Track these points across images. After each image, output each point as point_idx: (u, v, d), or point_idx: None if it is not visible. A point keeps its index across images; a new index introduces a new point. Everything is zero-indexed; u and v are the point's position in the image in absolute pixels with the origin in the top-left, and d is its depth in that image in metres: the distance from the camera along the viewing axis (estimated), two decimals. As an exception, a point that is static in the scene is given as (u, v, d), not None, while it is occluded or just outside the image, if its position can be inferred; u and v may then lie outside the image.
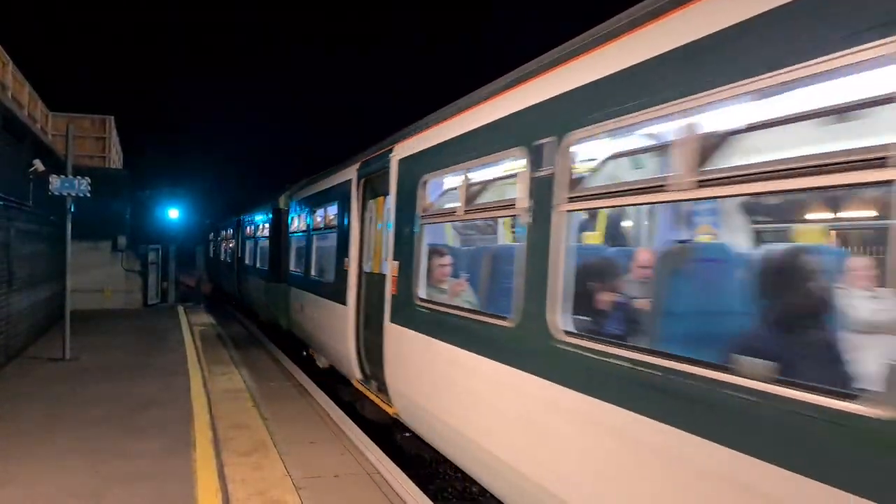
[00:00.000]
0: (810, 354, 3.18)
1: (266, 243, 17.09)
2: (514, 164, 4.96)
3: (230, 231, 26.18)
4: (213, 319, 20.06)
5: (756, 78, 2.77)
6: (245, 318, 20.89)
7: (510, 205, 4.95)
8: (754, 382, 2.73)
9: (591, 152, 4.24)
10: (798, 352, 3.10)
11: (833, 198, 5.57)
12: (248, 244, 20.79)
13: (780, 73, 2.67)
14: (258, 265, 18.48)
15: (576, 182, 4.14)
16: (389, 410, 7.61)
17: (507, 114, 5.12)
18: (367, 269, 8.86)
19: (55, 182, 11.79)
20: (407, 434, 7.65)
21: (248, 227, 20.78)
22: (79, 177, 12.00)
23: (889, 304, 3.08)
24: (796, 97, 2.77)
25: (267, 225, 17.06)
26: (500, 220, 7.32)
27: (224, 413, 8.56)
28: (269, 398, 9.51)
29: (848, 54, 2.42)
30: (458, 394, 5.63)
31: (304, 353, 13.15)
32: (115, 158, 26.26)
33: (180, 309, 22.12)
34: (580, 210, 4.47)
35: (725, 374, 2.87)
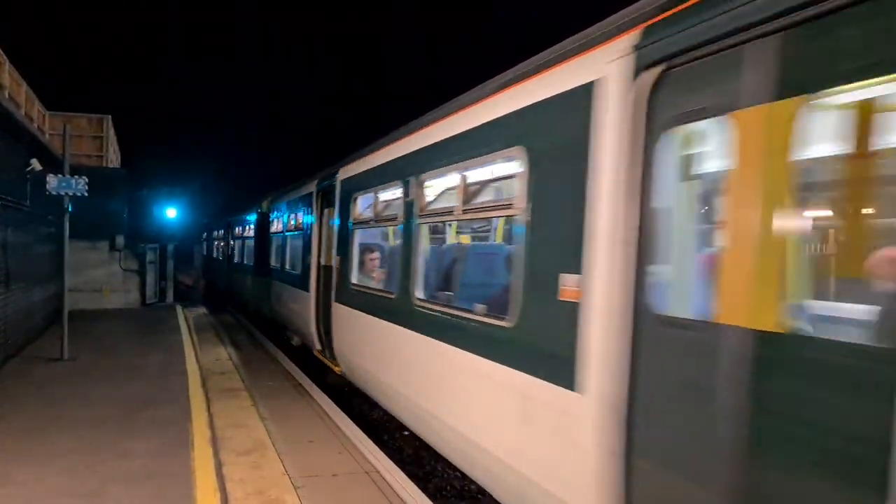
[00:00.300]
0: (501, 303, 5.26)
1: (252, 242, 19.46)
2: (397, 191, 7.69)
3: (221, 231, 28.68)
4: (213, 319, 20.04)
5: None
6: (238, 312, 21.95)
7: (394, 218, 8.19)
8: (481, 317, 5.45)
9: (430, 188, 7.00)
10: (494, 302, 5.50)
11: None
12: (237, 243, 23.15)
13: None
14: (245, 261, 20.91)
15: (425, 205, 6.95)
16: (336, 370, 10.29)
17: (392, 158, 7.98)
18: (323, 262, 11.50)
19: (52, 181, 11.77)
20: (405, 433, 7.67)
21: (237, 228, 23.09)
22: (76, 176, 11.98)
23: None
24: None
25: (252, 227, 19.47)
26: (390, 228, 9.86)
27: (222, 412, 8.56)
28: (267, 397, 9.51)
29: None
30: (373, 349, 8.30)
31: (286, 336, 14.92)
32: (113, 157, 26.24)
33: (178, 308, 22.12)
34: (426, 222, 7.08)
35: (473, 314, 5.60)
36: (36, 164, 13.10)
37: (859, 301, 3.85)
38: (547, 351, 4.40)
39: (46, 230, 15.23)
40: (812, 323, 3.04)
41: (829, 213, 3.72)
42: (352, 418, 8.55)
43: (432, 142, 6.67)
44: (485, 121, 5.51)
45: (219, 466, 6.50)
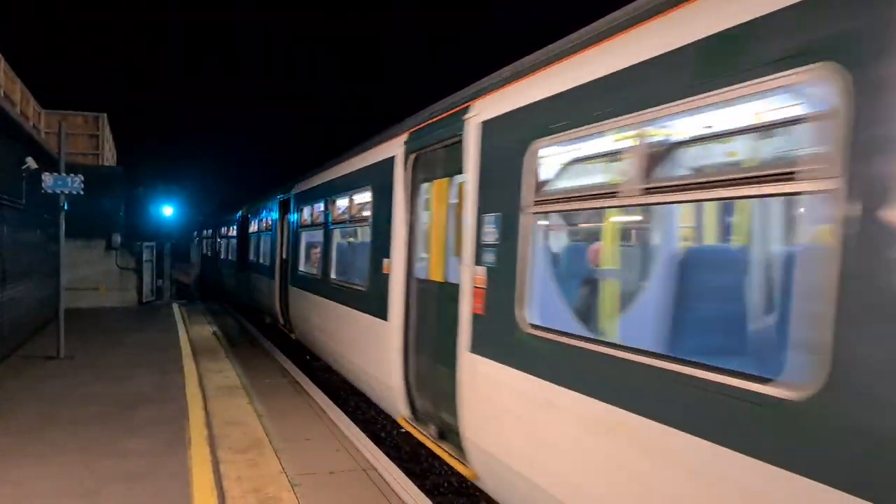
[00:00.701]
0: (363, 276, 8.29)
1: (235, 242, 22.23)
2: (321, 205, 11.46)
3: (211, 231, 31.63)
4: (210, 316, 20.01)
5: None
6: (229, 306, 22.57)
7: (321, 224, 11.37)
8: (356, 286, 9.01)
9: (333, 206, 10.31)
10: (360, 276, 8.36)
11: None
12: (223, 242, 26.06)
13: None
14: (230, 258, 23.65)
15: (335, 216, 10.63)
16: (292, 337, 13.50)
17: (319, 183, 11.81)
18: (283, 257, 12.94)
19: (48, 180, 11.74)
20: (402, 430, 7.65)
21: (223, 229, 26.18)
22: (72, 174, 11.95)
23: None
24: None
25: (234, 228, 22.24)
26: (320, 231, 11.60)
27: (219, 410, 8.55)
28: (264, 394, 9.50)
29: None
30: (310, 315, 11.74)
31: (262, 318, 17.60)
32: (109, 156, 26.16)
33: (175, 306, 22.09)
34: (334, 228, 10.69)
35: (353, 285, 9.08)
36: (31, 163, 13.06)
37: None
38: (378, 301, 7.62)
39: (42, 229, 15.20)
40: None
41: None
42: (351, 417, 8.55)
43: (332, 178, 10.83)
44: (355, 168, 9.52)
45: (216, 464, 6.49)
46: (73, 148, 21.20)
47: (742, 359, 3.77)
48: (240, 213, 21.72)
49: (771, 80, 2.75)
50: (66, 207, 12.16)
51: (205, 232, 34.81)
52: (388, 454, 7.16)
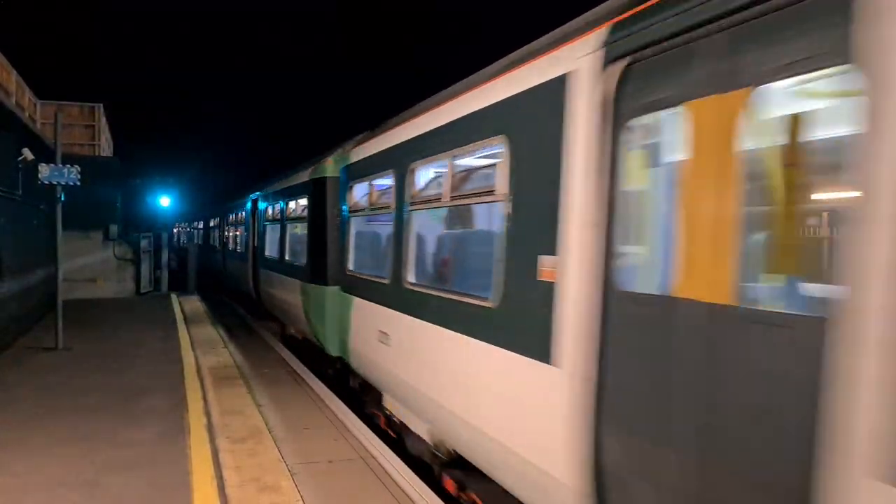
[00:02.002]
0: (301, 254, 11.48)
1: (218, 232, 25.73)
2: (279, 205, 14.44)
3: (201, 223, 34.04)
4: (206, 307, 20.01)
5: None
6: (226, 296, 21.57)
7: (278, 219, 14.52)
8: (296, 262, 12.01)
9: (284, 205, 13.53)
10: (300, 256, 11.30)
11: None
12: (213, 232, 27.93)
13: None
14: (217, 245, 26.25)
15: (288, 213, 13.22)
16: (261, 308, 16.36)
17: (275, 189, 15.26)
18: (255, 245, 17.48)
19: (45, 171, 11.71)
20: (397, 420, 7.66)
21: (211, 221, 28.58)
22: (68, 165, 11.92)
23: None
24: None
25: (219, 220, 25.23)
26: (277, 224, 14.58)
27: (218, 399, 8.57)
28: (263, 384, 9.52)
29: None
30: (271, 287, 14.49)
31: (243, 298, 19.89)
32: (105, 146, 26.06)
33: (173, 297, 22.10)
34: (286, 222, 13.38)
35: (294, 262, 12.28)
36: (27, 154, 13.02)
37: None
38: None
39: (39, 220, 15.16)
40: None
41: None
42: (351, 408, 8.57)
43: (282, 187, 13.75)
44: (292, 184, 12.67)
45: (215, 453, 6.51)
46: (70, 139, 21.13)
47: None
48: (222, 209, 24.25)
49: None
50: (62, 198, 12.13)
51: (194, 223, 37.36)
52: (386, 443, 7.18)
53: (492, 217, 6.95)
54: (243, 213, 18.87)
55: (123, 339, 13.36)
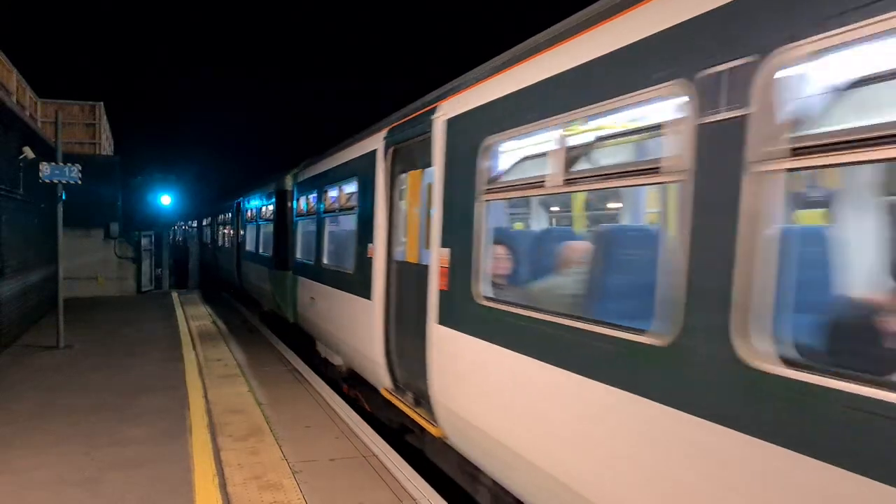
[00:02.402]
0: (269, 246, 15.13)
1: (209, 231, 28.30)
2: (266, 206, 16.23)
3: (195, 222, 37.52)
4: (210, 308, 20.02)
5: None
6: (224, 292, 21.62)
7: (254, 219, 18.07)
8: (265, 253, 15.88)
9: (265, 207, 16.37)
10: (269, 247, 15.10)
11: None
12: (206, 230, 30.91)
13: None
14: (210, 243, 28.68)
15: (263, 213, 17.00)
16: (247, 296, 18.85)
17: (253, 194, 18.53)
18: (239, 241, 20.38)
19: (46, 169, 11.71)
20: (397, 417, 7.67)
21: (205, 220, 31.43)
22: (69, 164, 11.93)
23: None
24: None
25: (211, 220, 27.54)
26: (252, 224, 18.59)
27: (219, 398, 8.57)
28: (264, 382, 9.52)
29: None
30: (252, 275, 17.46)
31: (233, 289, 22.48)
32: (106, 145, 26.05)
33: (174, 295, 22.10)
34: (261, 222, 17.17)
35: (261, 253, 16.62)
36: (28, 152, 13.02)
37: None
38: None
39: (40, 218, 15.16)
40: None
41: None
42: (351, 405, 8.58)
43: (257, 194, 16.73)
44: (263, 192, 16.24)
45: (217, 452, 6.52)
46: (71, 137, 21.12)
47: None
48: (213, 210, 27.49)
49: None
50: (63, 197, 12.14)
51: (190, 223, 40.20)
52: (388, 441, 7.18)
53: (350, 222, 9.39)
54: (230, 214, 21.75)
55: (124, 337, 13.36)
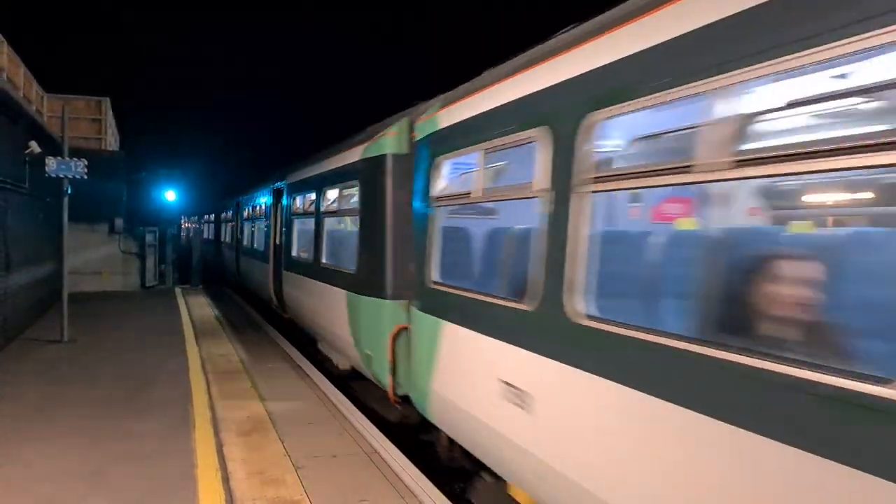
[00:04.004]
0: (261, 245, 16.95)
1: (206, 227, 32.51)
2: (263, 204, 17.53)
3: (194, 219, 40.66)
4: (211, 300, 20.06)
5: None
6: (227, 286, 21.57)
7: (233, 219, 23.35)
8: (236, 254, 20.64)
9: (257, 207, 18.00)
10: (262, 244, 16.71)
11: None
12: (205, 227, 33.80)
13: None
14: (209, 238, 31.13)
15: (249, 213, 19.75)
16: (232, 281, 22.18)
17: (238, 199, 21.98)
18: (228, 239, 21.89)
19: (52, 164, 11.75)
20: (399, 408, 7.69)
21: (204, 218, 34.60)
22: (75, 159, 11.97)
23: None
24: None
25: (205, 219, 32.79)
26: (232, 224, 22.54)
27: (222, 393, 8.60)
28: (266, 378, 9.55)
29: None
30: (244, 266, 19.70)
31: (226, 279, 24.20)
32: (111, 140, 26.13)
33: (178, 291, 22.15)
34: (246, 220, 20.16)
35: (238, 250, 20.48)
36: (34, 147, 13.07)
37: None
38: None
39: (45, 213, 15.22)
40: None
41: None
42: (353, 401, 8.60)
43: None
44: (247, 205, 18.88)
45: (220, 447, 6.55)
46: (76, 132, 21.17)
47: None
48: (210, 212, 30.29)
49: None
50: (69, 192, 12.18)
51: (189, 219, 42.47)
52: (390, 438, 7.20)
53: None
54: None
55: (128, 332, 13.41)
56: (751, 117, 2.84)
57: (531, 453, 4.29)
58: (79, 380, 9.22)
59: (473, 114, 5.50)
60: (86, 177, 12.09)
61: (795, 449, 2.45)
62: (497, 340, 4.82)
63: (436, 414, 6.18)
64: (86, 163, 12.04)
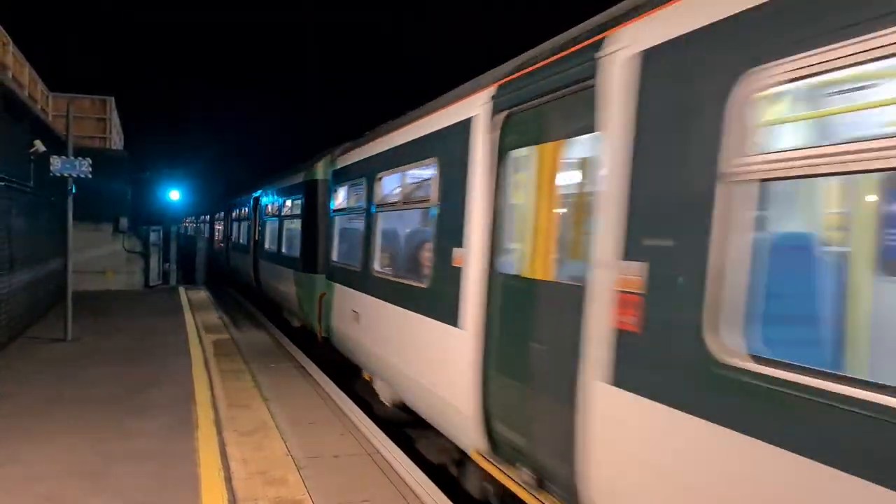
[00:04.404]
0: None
1: (206, 228, 34.40)
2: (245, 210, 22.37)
3: (193, 219, 44.73)
4: (216, 302, 20.09)
5: None
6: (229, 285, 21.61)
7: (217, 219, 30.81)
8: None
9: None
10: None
11: None
12: (205, 227, 36.05)
13: None
14: (208, 237, 33.12)
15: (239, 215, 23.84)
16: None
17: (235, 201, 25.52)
18: (225, 237, 26.56)
19: (56, 163, 11.77)
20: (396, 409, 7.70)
21: (202, 218, 38.23)
22: (80, 157, 11.99)
23: None
24: None
25: (203, 221, 35.22)
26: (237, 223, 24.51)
27: (225, 393, 8.61)
28: (269, 378, 9.55)
29: None
30: (237, 263, 22.92)
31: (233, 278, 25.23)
32: (116, 139, 26.18)
33: (181, 290, 22.19)
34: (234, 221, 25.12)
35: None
36: (39, 146, 13.10)
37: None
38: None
39: (50, 212, 15.25)
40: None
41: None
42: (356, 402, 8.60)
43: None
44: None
45: (222, 446, 6.55)
46: (81, 131, 21.19)
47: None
48: (208, 213, 33.93)
49: None
50: (73, 191, 12.20)
51: (189, 219, 45.55)
52: (392, 438, 7.20)
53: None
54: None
55: (132, 331, 13.42)
56: None
57: (363, 343, 8.66)
58: (81, 379, 9.23)
59: (347, 164, 10.32)
60: (90, 176, 12.11)
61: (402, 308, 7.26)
62: (353, 289, 9.23)
63: (336, 341, 10.30)
64: (90, 162, 12.06)
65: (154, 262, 22.79)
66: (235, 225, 23.41)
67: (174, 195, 30.43)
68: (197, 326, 14.18)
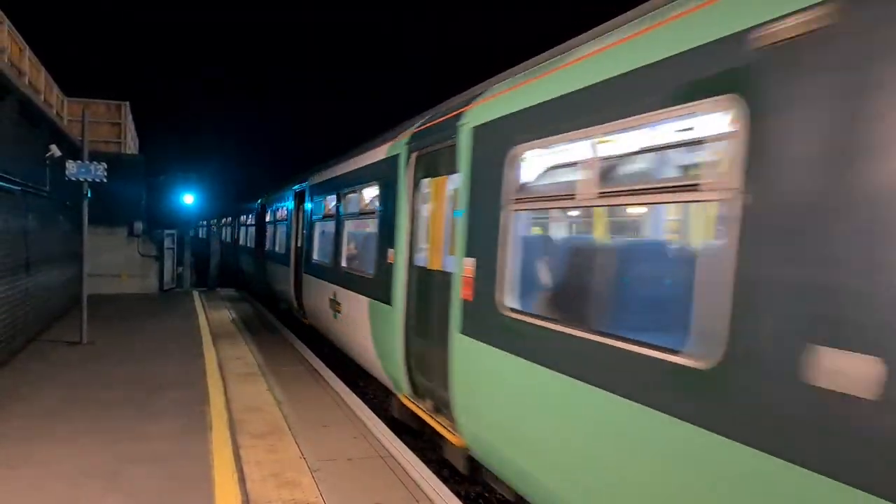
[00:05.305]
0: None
1: (214, 231, 36.87)
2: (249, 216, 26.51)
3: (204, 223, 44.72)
4: (230, 306, 20.17)
5: None
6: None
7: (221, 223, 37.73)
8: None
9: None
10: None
11: None
12: (212, 230, 39.16)
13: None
14: (222, 240, 34.67)
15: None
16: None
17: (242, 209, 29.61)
18: (231, 239, 29.17)
19: (72, 167, 11.87)
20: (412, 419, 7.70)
21: (212, 221, 40.18)
22: (95, 162, 12.08)
23: None
24: None
25: (208, 225, 38.82)
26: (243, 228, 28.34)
27: (239, 395, 8.63)
28: (282, 381, 9.57)
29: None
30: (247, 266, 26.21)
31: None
32: (131, 144, 26.36)
33: (196, 293, 22.30)
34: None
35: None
36: (55, 150, 13.21)
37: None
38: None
39: (65, 216, 15.37)
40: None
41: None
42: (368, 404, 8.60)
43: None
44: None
45: (236, 449, 6.56)
46: (96, 136, 21.37)
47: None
48: (216, 218, 36.46)
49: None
50: (89, 195, 12.29)
51: (201, 222, 44.62)
52: (405, 441, 7.20)
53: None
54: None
55: (146, 334, 13.49)
56: None
57: (342, 333, 10.32)
58: (96, 381, 9.28)
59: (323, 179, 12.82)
60: (105, 180, 12.19)
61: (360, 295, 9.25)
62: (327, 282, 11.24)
63: (312, 321, 12.79)
64: (105, 166, 12.14)
65: (168, 265, 22.91)
66: (256, 230, 22.77)
67: (188, 199, 30.58)
68: (210, 328, 14.23)
